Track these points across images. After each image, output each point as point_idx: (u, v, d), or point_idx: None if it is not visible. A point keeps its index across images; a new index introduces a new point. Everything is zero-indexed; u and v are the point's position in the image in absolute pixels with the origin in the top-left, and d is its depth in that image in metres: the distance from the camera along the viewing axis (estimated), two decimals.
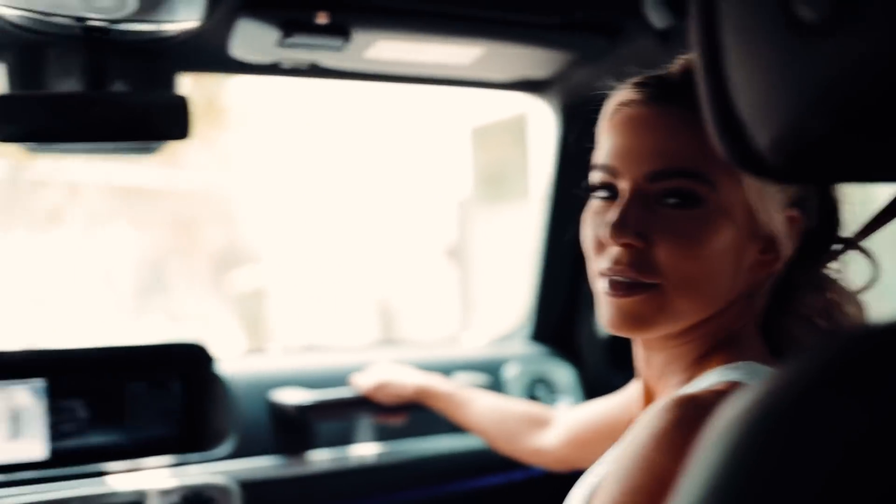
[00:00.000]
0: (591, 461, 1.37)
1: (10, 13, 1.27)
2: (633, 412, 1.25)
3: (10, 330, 5.20)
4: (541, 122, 1.93)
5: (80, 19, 1.28)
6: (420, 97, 5.81)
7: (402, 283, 6.35)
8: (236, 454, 1.59)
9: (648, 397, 1.02)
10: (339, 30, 1.39)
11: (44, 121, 1.36)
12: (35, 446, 1.45)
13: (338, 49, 1.44)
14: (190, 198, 6.16)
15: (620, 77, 0.98)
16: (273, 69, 1.54)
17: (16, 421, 1.46)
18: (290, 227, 6.35)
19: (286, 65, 1.52)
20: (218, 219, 6.37)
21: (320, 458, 1.64)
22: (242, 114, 6.08)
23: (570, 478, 1.37)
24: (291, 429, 1.63)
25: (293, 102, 6.08)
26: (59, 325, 5.43)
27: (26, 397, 1.46)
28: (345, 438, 1.67)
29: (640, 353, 1.00)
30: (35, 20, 1.29)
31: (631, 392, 1.30)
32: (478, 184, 6.03)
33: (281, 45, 1.40)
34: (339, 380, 1.68)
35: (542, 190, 1.94)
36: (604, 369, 1.92)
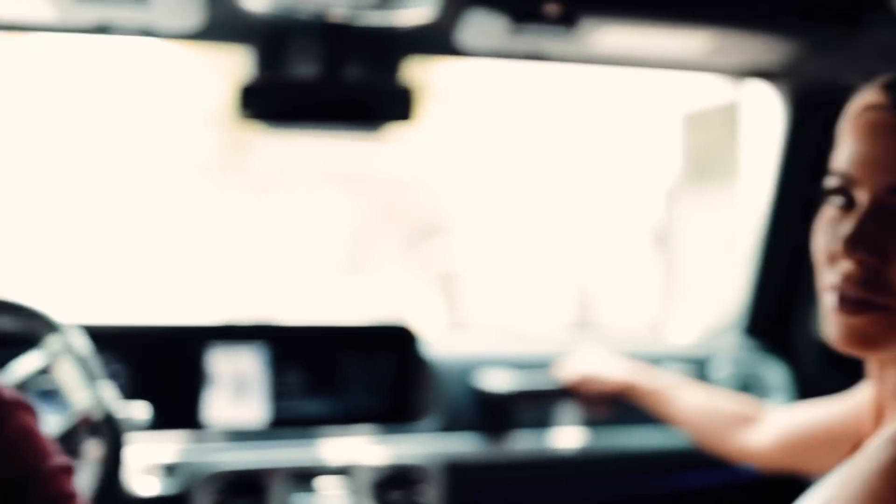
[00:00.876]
0: (805, 467, 1.31)
1: (259, 4, 1.36)
2: (859, 424, 1.18)
3: (218, 290, 5.55)
4: (756, 110, 1.85)
5: (323, 10, 1.36)
6: (633, 81, 5.69)
7: (604, 268, 6.28)
8: (439, 430, 1.65)
9: (880, 415, 0.96)
10: (568, 19, 1.38)
11: (284, 103, 1.46)
12: (256, 409, 1.58)
13: (564, 37, 1.44)
14: (398, 178, 6.36)
15: (860, 72, 0.92)
16: (499, 54, 1.56)
17: (241, 384, 1.58)
18: (493, 208, 6.42)
19: (512, 52, 1.54)
20: (423, 198, 6.55)
21: (522, 441, 1.67)
22: (450, 92, 6.20)
23: (775, 485, 1.33)
24: (495, 412, 1.67)
25: (500, 82, 6.13)
26: (270, 294, 5.76)
27: (252, 362, 1.59)
28: (548, 423, 1.68)
29: (873, 367, 0.94)
30: (281, 10, 1.38)
31: (858, 401, 1.23)
32: (687, 170, 5.85)
33: (509, 33, 1.42)
34: (542, 364, 1.69)
35: (763, 181, 1.86)
36: (820, 371, 1.83)
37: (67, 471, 0.55)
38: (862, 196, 0.87)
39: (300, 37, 1.47)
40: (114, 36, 1.39)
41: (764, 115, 1.83)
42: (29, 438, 0.52)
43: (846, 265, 0.86)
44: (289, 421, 1.58)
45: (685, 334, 1.99)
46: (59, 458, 0.55)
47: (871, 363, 0.94)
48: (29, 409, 0.54)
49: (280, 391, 1.59)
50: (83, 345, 1.22)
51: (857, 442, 0.96)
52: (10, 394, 0.53)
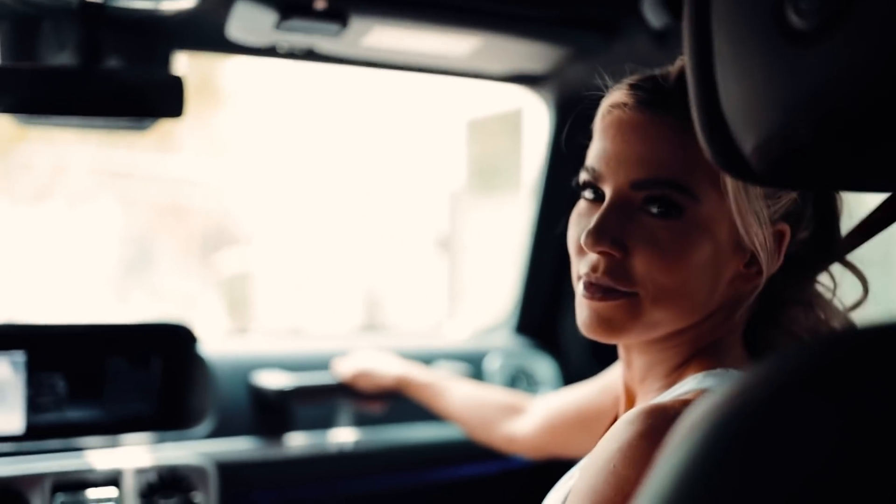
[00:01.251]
0: (566, 449, 1.38)
1: None
2: (609, 403, 1.26)
3: None
4: (535, 116, 1.93)
5: None
6: (417, 87, 5.79)
7: (390, 271, 6.35)
8: (214, 434, 1.59)
9: (629, 399, 1.02)
10: (337, 15, 1.38)
11: (36, 93, 1.36)
12: (12, 419, 1.45)
13: (335, 34, 1.44)
14: (179, 180, 6.14)
15: (617, 75, 0.98)
16: (269, 52, 1.54)
17: None
18: (279, 212, 6.34)
19: (283, 48, 1.52)
20: (206, 201, 6.36)
21: (298, 441, 1.65)
22: (235, 95, 6.05)
23: (544, 470, 1.39)
24: (270, 412, 1.64)
25: (286, 86, 6.06)
26: (42, 300, 5.40)
27: (5, 369, 1.46)
28: (323, 423, 1.67)
29: (622, 354, 1.00)
30: None
31: (607, 381, 1.30)
32: (471, 176, 6.03)
33: (278, 27, 1.40)
34: (320, 364, 1.69)
35: (532, 184, 1.95)
36: (585, 363, 1.93)
37: None
38: (607, 190, 0.92)
39: (52, 22, 1.38)
40: None
41: (540, 122, 1.92)
42: None
43: (592, 256, 0.91)
44: (51, 429, 1.47)
45: (463, 333, 2.05)
46: None
47: (620, 348, 1.00)
48: None
49: (40, 398, 1.47)
50: None
51: (612, 423, 1.02)
52: None
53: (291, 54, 1.55)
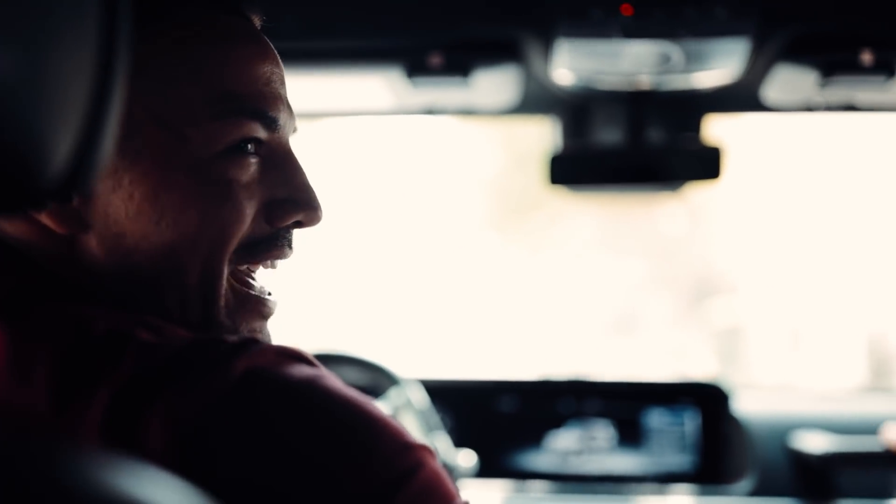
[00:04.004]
0: None
1: (566, 78, 1.44)
2: None
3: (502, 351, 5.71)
4: None
5: (629, 80, 1.41)
6: None
7: None
8: (754, 493, 1.60)
9: None
10: (884, 66, 1.34)
11: (589, 169, 1.52)
12: (560, 461, 1.63)
13: (880, 86, 1.39)
14: (673, 233, 6.24)
15: None
16: (803, 109, 1.54)
17: (545, 436, 1.64)
18: (769, 259, 6.12)
19: (818, 105, 1.51)
20: (699, 252, 6.37)
21: None
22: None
23: None
24: (812, 476, 1.59)
25: (777, 136, 5.88)
26: (543, 349, 5.83)
27: (558, 413, 1.64)
28: (875, 492, 1.58)
29: None
30: (588, 82, 1.45)
31: None
32: None
33: (819, 86, 1.39)
34: (865, 428, 1.60)
35: None
36: None
37: None
38: None
39: (604, 106, 1.54)
40: (437, 115, 1.52)
41: None
42: (441, 482, 0.53)
43: None
44: (597, 477, 1.62)
45: None
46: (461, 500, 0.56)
47: None
48: (433, 452, 0.55)
49: (588, 444, 1.63)
50: (421, 398, 1.33)
51: None
52: (416, 437, 0.55)
53: (826, 108, 1.53)
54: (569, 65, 1.38)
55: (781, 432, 1.64)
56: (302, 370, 0.53)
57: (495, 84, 1.42)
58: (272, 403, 0.51)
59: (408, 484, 0.51)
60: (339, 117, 1.67)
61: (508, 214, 6.05)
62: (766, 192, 6.16)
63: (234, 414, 0.50)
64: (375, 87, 1.40)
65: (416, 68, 1.33)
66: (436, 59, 1.32)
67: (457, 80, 1.35)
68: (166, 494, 0.38)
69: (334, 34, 1.29)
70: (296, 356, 0.54)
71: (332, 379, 0.53)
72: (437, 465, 0.54)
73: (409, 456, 0.52)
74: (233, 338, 0.55)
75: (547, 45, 1.32)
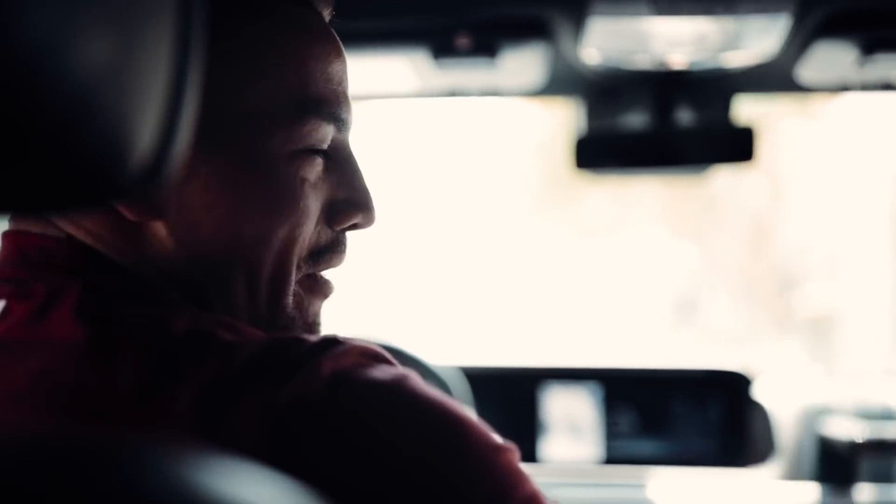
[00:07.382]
0: None
1: (594, 58, 1.39)
2: None
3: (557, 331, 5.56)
4: None
5: (659, 60, 1.36)
6: None
7: None
8: (778, 477, 1.59)
9: None
10: None
11: (616, 152, 1.49)
12: (591, 446, 1.60)
13: None
14: (753, 209, 5.99)
15: None
16: (840, 88, 1.49)
17: (574, 422, 1.62)
18: (859, 245, 5.85)
19: (855, 84, 1.47)
20: (777, 238, 6.13)
21: (865, 495, 1.56)
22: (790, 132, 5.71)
23: None
24: (838, 461, 1.57)
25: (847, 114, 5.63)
26: (598, 334, 5.66)
27: (584, 398, 1.63)
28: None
29: None
30: (615, 63, 1.40)
31: None
32: None
33: (858, 64, 1.35)
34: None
35: None
36: None
37: None
38: None
39: (632, 87, 1.49)
40: (461, 97, 1.48)
41: None
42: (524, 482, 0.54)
43: None
44: (621, 459, 1.61)
45: None
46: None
47: None
48: (516, 452, 0.56)
49: (613, 431, 1.62)
50: (459, 388, 1.29)
51: None
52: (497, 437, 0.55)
53: (864, 87, 1.49)
54: (599, 44, 1.34)
55: (811, 418, 1.62)
56: (387, 371, 0.53)
57: (521, 65, 1.39)
58: (363, 406, 0.51)
59: None
60: (359, 101, 1.62)
61: (558, 194, 5.85)
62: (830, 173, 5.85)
63: (325, 416, 0.50)
64: (399, 70, 1.36)
65: (443, 49, 1.30)
66: (463, 40, 1.28)
67: (484, 60, 1.32)
68: (272, 492, 0.37)
69: (360, 15, 1.24)
70: (378, 356, 0.54)
71: (416, 378, 0.54)
72: (520, 466, 0.56)
73: (498, 458, 0.53)
74: (312, 338, 0.54)
75: (577, 24, 1.27)
